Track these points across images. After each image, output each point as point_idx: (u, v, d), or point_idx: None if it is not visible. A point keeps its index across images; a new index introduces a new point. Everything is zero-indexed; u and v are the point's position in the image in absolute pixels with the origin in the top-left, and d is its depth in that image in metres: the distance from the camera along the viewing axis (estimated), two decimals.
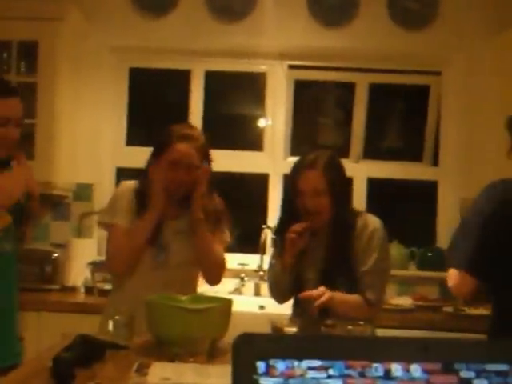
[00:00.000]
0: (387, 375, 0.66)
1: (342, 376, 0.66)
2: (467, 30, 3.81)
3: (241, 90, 4.23)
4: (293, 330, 2.08)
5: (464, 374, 0.66)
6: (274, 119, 4.00)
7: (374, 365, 0.67)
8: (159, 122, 4.27)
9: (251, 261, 3.81)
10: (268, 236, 3.73)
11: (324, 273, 2.39)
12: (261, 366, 0.67)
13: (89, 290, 3.54)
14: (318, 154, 2.42)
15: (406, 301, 3.49)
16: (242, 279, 3.79)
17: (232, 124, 4.28)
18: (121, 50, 3.96)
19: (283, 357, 0.67)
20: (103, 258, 3.66)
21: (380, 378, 0.66)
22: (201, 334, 1.94)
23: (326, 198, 2.35)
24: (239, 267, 3.79)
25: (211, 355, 1.93)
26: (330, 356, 0.67)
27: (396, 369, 0.67)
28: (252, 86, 4.13)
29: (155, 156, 2.48)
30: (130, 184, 2.55)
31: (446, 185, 3.94)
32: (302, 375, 0.67)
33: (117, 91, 4.01)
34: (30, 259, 3.56)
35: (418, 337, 0.69)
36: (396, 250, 3.81)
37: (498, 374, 0.65)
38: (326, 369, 0.67)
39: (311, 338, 0.69)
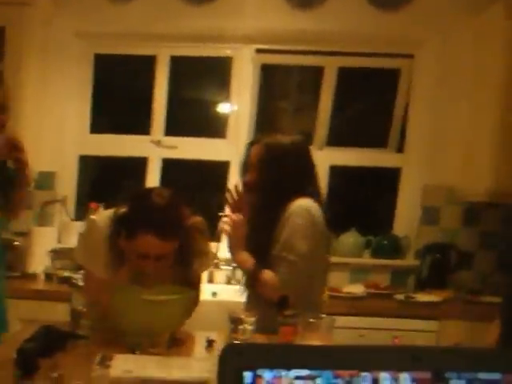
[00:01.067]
0: None
1: None
2: (443, 12, 3.67)
3: (207, 75, 4.12)
4: (251, 319, 2.02)
5: (455, 383, 0.62)
6: (239, 105, 3.89)
7: (362, 374, 0.63)
8: (124, 109, 4.20)
9: None
10: None
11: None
12: (247, 376, 0.62)
13: (49, 277, 3.45)
14: (279, 136, 2.38)
15: (358, 288, 3.46)
16: None
17: (195, 110, 4.19)
18: (86, 36, 3.82)
19: (270, 366, 0.62)
20: (64, 245, 3.60)
21: None
22: (162, 324, 1.89)
23: (255, 174, 2.33)
24: None
25: (171, 345, 1.89)
26: (318, 365, 0.62)
27: (384, 378, 0.63)
28: (218, 71, 4.03)
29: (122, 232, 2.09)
30: (102, 227, 2.14)
31: (410, 171, 3.88)
32: None
33: (82, 77, 3.88)
34: None
35: (407, 345, 0.65)
36: (352, 238, 3.80)
37: (491, 383, 0.62)
38: (313, 378, 0.62)
39: (300, 347, 0.64)
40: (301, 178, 2.35)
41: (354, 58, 3.89)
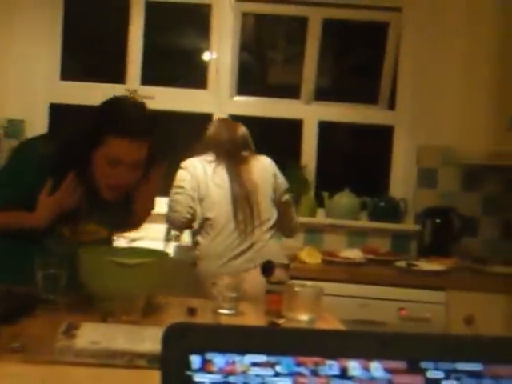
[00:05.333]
0: (343, 374, 0.59)
1: (292, 374, 0.59)
2: None
3: (185, 22, 4.05)
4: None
5: (431, 373, 0.59)
6: (220, 55, 3.83)
7: (329, 362, 0.59)
8: (98, 56, 4.12)
9: None
10: None
11: None
12: (195, 360, 0.59)
13: None
14: None
15: (355, 254, 3.41)
16: None
17: (174, 59, 4.12)
18: None
19: (222, 350, 0.59)
20: None
21: (335, 376, 0.59)
22: (135, 290, 1.87)
23: None
24: None
25: (146, 313, 1.87)
26: (277, 350, 0.59)
27: (353, 367, 0.59)
28: (198, 19, 3.96)
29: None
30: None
31: (402, 130, 3.84)
32: (244, 372, 0.59)
33: (51, 20, 3.78)
34: None
35: (379, 331, 0.62)
36: (346, 198, 3.75)
37: (471, 374, 0.59)
38: (272, 365, 0.59)
39: (256, 329, 0.61)
40: None
41: (340, 10, 3.84)
